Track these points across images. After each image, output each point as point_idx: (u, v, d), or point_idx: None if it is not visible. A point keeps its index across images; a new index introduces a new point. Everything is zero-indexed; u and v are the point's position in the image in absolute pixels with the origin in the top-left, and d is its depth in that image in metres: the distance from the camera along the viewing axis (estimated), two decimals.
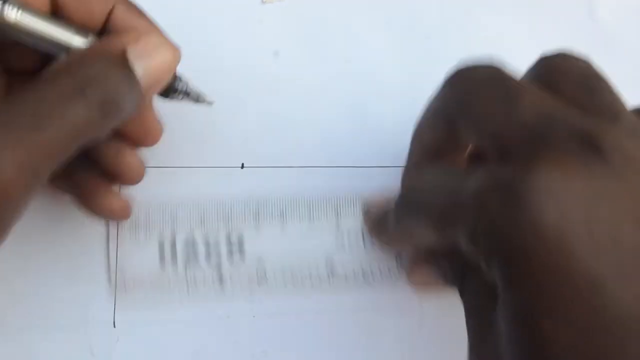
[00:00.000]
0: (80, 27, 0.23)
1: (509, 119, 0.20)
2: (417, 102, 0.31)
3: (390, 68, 0.31)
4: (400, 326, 0.29)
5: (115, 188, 0.28)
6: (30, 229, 0.28)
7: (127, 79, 0.22)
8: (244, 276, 0.28)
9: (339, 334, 0.29)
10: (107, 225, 0.29)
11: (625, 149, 0.19)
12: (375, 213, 0.28)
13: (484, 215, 0.19)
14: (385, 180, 0.30)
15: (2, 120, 0.20)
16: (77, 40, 0.23)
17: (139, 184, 0.28)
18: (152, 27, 0.25)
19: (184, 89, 0.26)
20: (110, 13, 0.24)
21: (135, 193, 0.29)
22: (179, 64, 0.25)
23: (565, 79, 0.21)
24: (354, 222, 0.29)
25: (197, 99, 0.27)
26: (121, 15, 0.24)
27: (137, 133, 0.26)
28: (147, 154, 0.28)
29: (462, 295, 0.23)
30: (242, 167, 0.30)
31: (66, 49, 0.23)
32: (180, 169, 0.30)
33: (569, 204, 0.18)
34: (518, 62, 0.31)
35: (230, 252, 0.28)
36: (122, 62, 0.22)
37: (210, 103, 0.27)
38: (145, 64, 0.23)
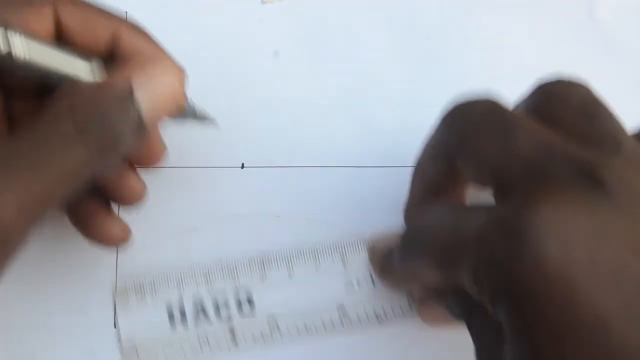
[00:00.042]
0: (84, 53, 0.23)
1: (507, 154, 0.20)
2: (416, 102, 0.31)
3: (390, 68, 0.31)
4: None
5: (115, 212, 0.27)
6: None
7: (129, 117, 0.22)
8: (256, 329, 0.28)
9: None
10: None
11: (628, 181, 0.19)
12: (380, 253, 0.28)
13: (486, 254, 0.19)
14: (385, 180, 0.30)
15: (1, 161, 0.20)
16: (81, 69, 0.23)
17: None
18: (158, 50, 0.25)
19: (189, 109, 0.26)
20: (116, 37, 0.24)
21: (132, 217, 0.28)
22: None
23: (564, 105, 0.21)
24: (360, 264, 0.29)
25: (202, 118, 0.27)
26: (127, 38, 0.24)
27: (140, 155, 0.26)
28: None
29: (470, 330, 0.23)
30: (242, 167, 0.30)
31: (70, 79, 0.23)
32: (180, 169, 0.30)
33: (572, 240, 0.18)
34: (518, 62, 0.32)
35: (240, 307, 0.28)
36: (125, 99, 0.22)
37: (214, 122, 0.28)
38: (150, 95, 0.22)
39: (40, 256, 0.29)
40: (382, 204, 0.30)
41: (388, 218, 0.30)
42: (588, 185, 0.19)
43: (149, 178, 0.27)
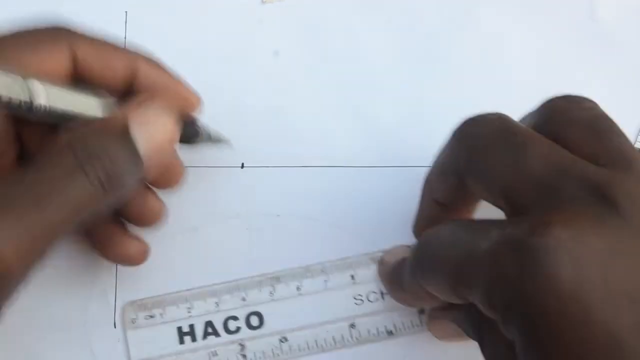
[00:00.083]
0: (99, 90, 0.24)
1: (518, 173, 0.20)
2: (416, 102, 0.31)
3: (390, 68, 0.31)
4: None
5: (130, 231, 0.28)
6: None
7: (128, 153, 0.22)
8: (267, 346, 0.28)
9: None
10: None
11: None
12: (390, 268, 0.28)
13: (500, 274, 0.19)
14: (385, 180, 0.30)
15: (2, 199, 0.20)
16: (95, 107, 0.23)
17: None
18: (174, 81, 0.25)
19: (205, 133, 0.27)
20: (133, 70, 0.24)
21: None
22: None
23: (573, 123, 0.21)
24: (370, 279, 0.29)
25: (217, 141, 0.28)
26: (143, 72, 0.25)
27: (160, 178, 0.26)
28: None
29: (482, 348, 0.23)
30: (242, 167, 0.30)
31: (84, 117, 0.23)
32: None
33: (585, 259, 0.18)
34: (518, 62, 0.32)
35: (249, 322, 0.28)
36: (124, 136, 0.22)
37: (229, 143, 0.28)
38: (146, 134, 0.23)
39: None
40: (382, 203, 0.30)
41: (388, 218, 0.30)
42: (600, 204, 0.19)
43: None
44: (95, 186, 0.21)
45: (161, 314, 0.28)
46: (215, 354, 0.28)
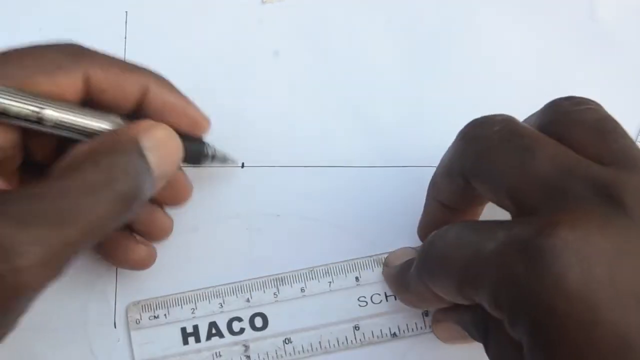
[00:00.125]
0: (110, 111, 0.24)
1: (524, 174, 0.20)
2: (416, 102, 0.31)
3: (390, 68, 0.31)
4: None
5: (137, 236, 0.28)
6: None
7: (147, 169, 0.23)
8: (270, 347, 0.28)
9: None
10: None
11: None
12: (395, 269, 0.28)
13: (507, 275, 0.19)
14: (385, 180, 0.30)
15: (24, 214, 0.20)
16: (104, 128, 0.24)
17: None
18: (183, 102, 0.26)
19: (212, 153, 0.27)
20: (143, 91, 0.25)
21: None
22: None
23: (578, 124, 0.21)
24: (374, 281, 0.29)
25: (223, 160, 0.28)
26: (154, 93, 0.25)
27: (168, 195, 0.27)
28: None
29: (487, 350, 0.23)
30: (242, 166, 0.30)
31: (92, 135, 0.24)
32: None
33: (592, 259, 0.18)
34: (518, 62, 0.32)
35: (253, 323, 0.28)
36: (140, 151, 0.23)
37: (236, 163, 0.29)
38: (158, 153, 0.23)
39: None
40: (382, 204, 0.30)
41: (388, 218, 0.30)
42: (607, 204, 0.19)
43: None
44: (117, 202, 0.21)
45: (165, 315, 0.28)
46: (219, 354, 0.28)
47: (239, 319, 0.28)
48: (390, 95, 0.31)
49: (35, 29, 0.31)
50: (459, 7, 0.32)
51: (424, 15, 0.32)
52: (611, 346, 0.17)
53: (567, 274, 0.18)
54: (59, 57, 0.23)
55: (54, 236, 0.20)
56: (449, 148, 0.24)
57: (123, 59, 0.26)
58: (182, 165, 0.27)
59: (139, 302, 0.28)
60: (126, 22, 0.31)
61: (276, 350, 0.28)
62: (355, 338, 0.28)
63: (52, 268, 0.20)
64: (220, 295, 0.29)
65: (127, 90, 0.24)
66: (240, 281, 0.29)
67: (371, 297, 0.29)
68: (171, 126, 0.25)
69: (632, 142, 0.21)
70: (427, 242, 0.23)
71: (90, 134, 0.23)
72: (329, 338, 0.28)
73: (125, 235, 0.27)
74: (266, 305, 0.28)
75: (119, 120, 0.24)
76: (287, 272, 0.29)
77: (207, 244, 0.29)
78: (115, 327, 0.29)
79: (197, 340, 0.28)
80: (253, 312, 0.28)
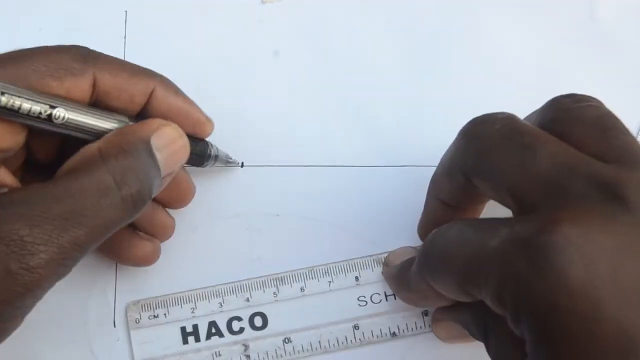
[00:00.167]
0: (116, 113, 0.25)
1: (526, 171, 0.20)
2: (416, 102, 0.31)
3: (390, 68, 0.31)
4: None
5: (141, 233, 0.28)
6: None
7: (156, 168, 0.23)
8: (270, 347, 0.28)
9: None
10: None
11: None
12: (395, 268, 0.28)
13: (509, 272, 0.19)
14: (385, 179, 0.30)
15: (35, 215, 0.20)
16: (111, 129, 0.24)
17: None
18: (188, 105, 0.26)
19: (215, 153, 0.28)
20: (151, 95, 0.25)
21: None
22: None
23: (579, 121, 0.21)
24: (374, 280, 0.29)
25: (225, 163, 0.29)
26: (160, 96, 0.25)
27: (171, 196, 0.27)
28: None
29: (487, 349, 0.23)
30: (242, 166, 0.30)
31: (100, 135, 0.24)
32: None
33: (594, 256, 0.18)
34: (518, 62, 0.32)
35: (252, 322, 0.28)
36: (150, 150, 0.23)
37: (239, 164, 0.29)
38: (166, 152, 0.24)
39: None
40: (382, 203, 0.30)
41: (388, 218, 0.30)
42: (609, 201, 0.19)
43: None
44: (126, 203, 0.22)
45: (165, 314, 0.28)
46: (218, 354, 0.28)
47: (239, 319, 0.28)
48: (390, 95, 0.31)
49: (35, 29, 0.31)
50: (459, 7, 0.32)
51: (424, 15, 0.32)
52: (614, 342, 0.17)
53: (569, 270, 0.18)
54: (69, 61, 0.23)
55: (64, 237, 0.20)
56: (450, 146, 0.24)
57: (126, 60, 0.26)
58: (184, 166, 0.27)
59: (138, 301, 0.28)
60: (126, 22, 0.31)
61: (276, 350, 0.28)
62: (355, 338, 0.28)
63: (61, 267, 0.21)
64: (220, 294, 0.29)
65: (134, 94, 0.25)
66: (240, 281, 0.29)
67: (371, 297, 0.29)
68: None
69: (633, 139, 0.21)
70: (429, 240, 0.23)
71: (98, 133, 0.24)
72: (329, 337, 0.28)
73: (129, 232, 0.27)
74: (266, 305, 0.29)
75: (127, 120, 0.25)
76: (286, 272, 0.29)
77: (207, 243, 0.30)
78: (114, 326, 0.29)
79: (197, 339, 0.28)
80: (253, 312, 0.28)
